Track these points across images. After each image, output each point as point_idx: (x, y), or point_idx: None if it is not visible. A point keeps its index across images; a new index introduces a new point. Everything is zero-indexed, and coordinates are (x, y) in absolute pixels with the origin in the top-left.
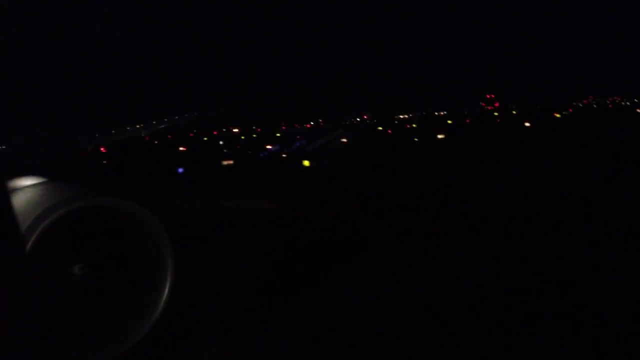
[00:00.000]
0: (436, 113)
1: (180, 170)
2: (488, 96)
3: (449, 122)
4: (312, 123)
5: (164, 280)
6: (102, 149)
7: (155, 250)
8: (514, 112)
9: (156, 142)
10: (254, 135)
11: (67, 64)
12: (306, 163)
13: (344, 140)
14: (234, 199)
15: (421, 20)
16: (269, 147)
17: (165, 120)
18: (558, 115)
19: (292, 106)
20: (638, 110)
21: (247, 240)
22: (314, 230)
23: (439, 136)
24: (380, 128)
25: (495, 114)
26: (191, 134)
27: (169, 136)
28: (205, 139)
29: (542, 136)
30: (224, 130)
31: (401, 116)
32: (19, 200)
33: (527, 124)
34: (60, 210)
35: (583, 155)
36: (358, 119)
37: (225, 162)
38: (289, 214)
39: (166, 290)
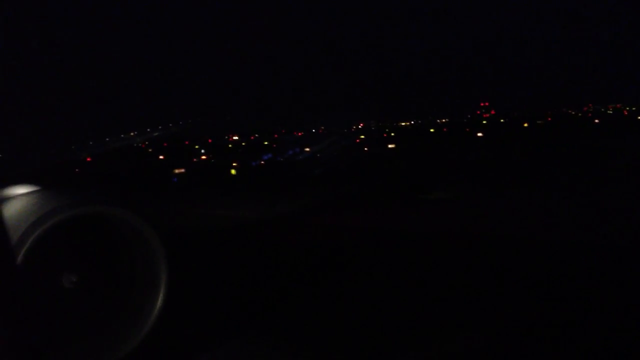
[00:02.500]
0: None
1: (175, 179)
2: (482, 104)
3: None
4: (310, 130)
5: (158, 287)
6: (89, 158)
7: (149, 257)
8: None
9: (150, 149)
10: (243, 144)
11: (61, 70)
12: (232, 172)
13: (338, 147)
14: (227, 207)
15: (415, 22)
16: (263, 155)
17: (160, 127)
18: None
19: (289, 112)
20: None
21: (239, 248)
22: (307, 239)
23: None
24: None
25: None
26: (186, 142)
27: (164, 144)
28: (196, 146)
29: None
30: (220, 138)
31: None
32: (11, 209)
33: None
34: (53, 219)
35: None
36: (354, 127)
37: (177, 171)
38: (281, 223)
39: (160, 297)
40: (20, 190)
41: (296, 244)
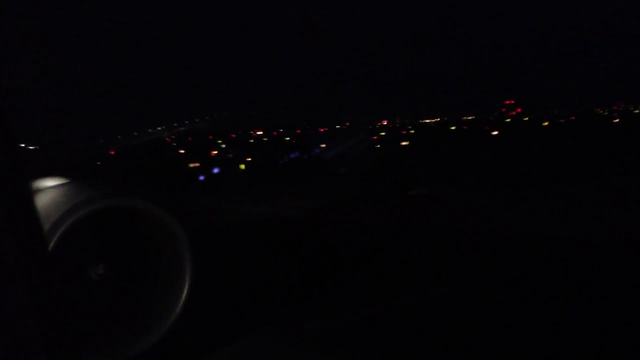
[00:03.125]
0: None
1: (202, 177)
2: (507, 102)
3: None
4: (336, 126)
5: (183, 282)
6: (113, 151)
7: (174, 251)
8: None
9: (176, 144)
10: (265, 140)
11: (90, 65)
12: (242, 166)
13: (365, 145)
14: (251, 203)
15: (435, 20)
16: (289, 152)
17: (187, 122)
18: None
19: (312, 108)
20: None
21: (263, 245)
22: (329, 237)
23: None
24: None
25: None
26: (210, 137)
27: (189, 138)
28: (219, 141)
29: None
30: (244, 132)
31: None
32: (41, 201)
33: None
34: (82, 211)
35: None
36: (379, 124)
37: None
38: (307, 220)
39: (184, 291)
40: (50, 182)
41: (299, 240)
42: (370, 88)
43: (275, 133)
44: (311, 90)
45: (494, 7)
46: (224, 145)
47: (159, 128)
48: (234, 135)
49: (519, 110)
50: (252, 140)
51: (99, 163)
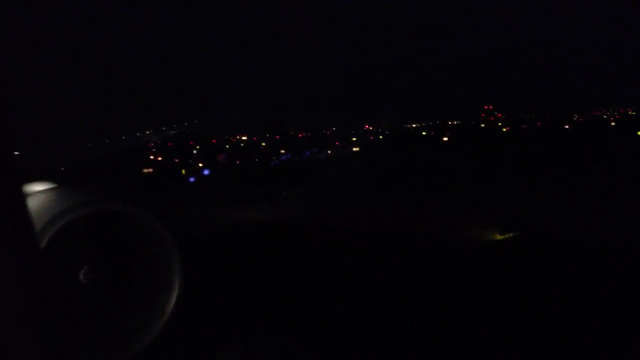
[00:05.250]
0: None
1: (192, 179)
2: (486, 107)
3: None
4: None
5: (171, 286)
6: (105, 155)
7: (163, 256)
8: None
9: (163, 148)
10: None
11: (78, 69)
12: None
13: (355, 148)
14: (240, 207)
15: (419, 24)
16: (280, 154)
17: (175, 126)
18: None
19: (298, 112)
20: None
21: (254, 248)
22: (323, 240)
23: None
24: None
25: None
26: (191, 142)
27: (169, 143)
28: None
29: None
30: (228, 137)
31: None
32: (29, 206)
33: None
34: (69, 216)
35: None
36: (365, 128)
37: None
38: (297, 224)
39: (173, 296)
40: (38, 187)
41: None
42: (353, 93)
43: (255, 138)
44: (299, 94)
45: (471, 15)
46: (195, 151)
47: (147, 132)
48: (214, 141)
49: (499, 115)
50: (227, 146)
51: (88, 167)
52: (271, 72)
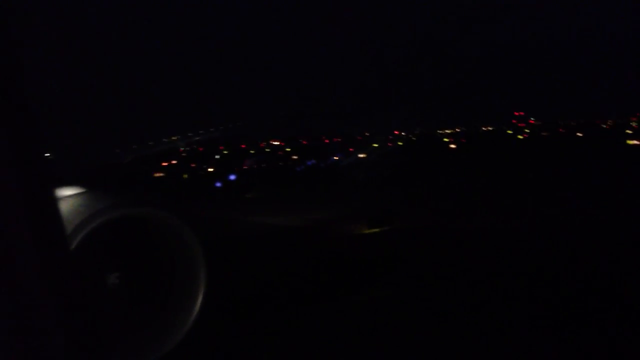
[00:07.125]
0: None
1: (218, 184)
2: (517, 113)
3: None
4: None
5: (197, 292)
6: (134, 160)
7: (189, 261)
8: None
9: (190, 154)
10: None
11: (108, 75)
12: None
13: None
14: (266, 214)
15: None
16: (305, 160)
17: (201, 132)
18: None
19: (326, 120)
20: None
21: (278, 254)
22: (342, 247)
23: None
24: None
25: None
26: (221, 147)
27: (200, 149)
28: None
29: None
30: (258, 142)
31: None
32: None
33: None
34: (98, 220)
35: None
36: (390, 136)
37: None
38: (321, 231)
39: (198, 302)
40: (67, 191)
41: (331, 253)
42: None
43: (282, 143)
44: (328, 99)
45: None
46: (218, 156)
47: (174, 138)
48: (243, 146)
49: (531, 121)
50: (252, 151)
51: (116, 172)
52: (302, 77)
